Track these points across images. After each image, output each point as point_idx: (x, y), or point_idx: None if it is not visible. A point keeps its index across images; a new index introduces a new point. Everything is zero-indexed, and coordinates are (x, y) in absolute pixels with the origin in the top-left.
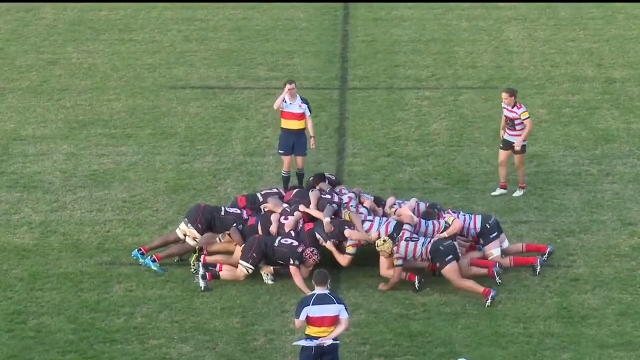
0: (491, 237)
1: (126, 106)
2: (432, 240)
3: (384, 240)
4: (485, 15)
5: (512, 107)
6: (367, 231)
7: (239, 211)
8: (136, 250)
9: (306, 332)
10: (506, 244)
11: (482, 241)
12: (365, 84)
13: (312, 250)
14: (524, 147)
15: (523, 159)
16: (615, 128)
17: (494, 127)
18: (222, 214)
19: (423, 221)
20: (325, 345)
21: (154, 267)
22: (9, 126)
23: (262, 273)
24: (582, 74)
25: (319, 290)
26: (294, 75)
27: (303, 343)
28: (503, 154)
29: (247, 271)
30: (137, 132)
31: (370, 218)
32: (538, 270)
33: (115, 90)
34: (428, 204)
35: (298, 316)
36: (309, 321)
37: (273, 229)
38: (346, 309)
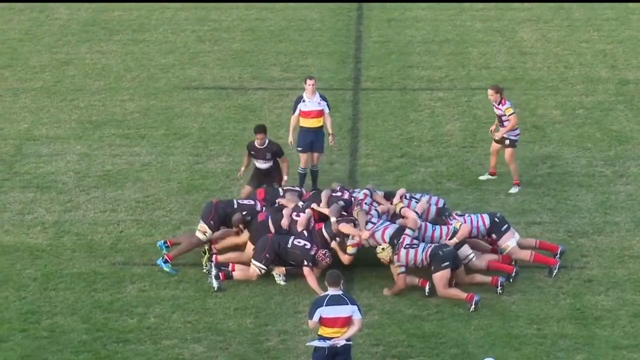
0: (502, 229)
1: (139, 106)
2: (433, 245)
3: (383, 248)
4: (498, 16)
5: (498, 104)
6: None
7: (252, 202)
8: (161, 241)
9: (319, 333)
10: (517, 236)
11: (494, 236)
12: (379, 85)
13: (324, 252)
14: (513, 141)
15: (512, 154)
16: (629, 129)
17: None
18: (235, 207)
19: (429, 225)
20: (338, 345)
21: (165, 268)
22: (22, 126)
23: (274, 274)
24: (596, 75)
25: (331, 291)
26: (307, 75)
27: (316, 343)
28: (494, 146)
29: (260, 271)
30: (150, 133)
31: (374, 221)
32: (554, 273)
33: (128, 91)
34: (438, 208)
35: (311, 317)
36: (322, 322)
37: (284, 222)
38: (359, 309)
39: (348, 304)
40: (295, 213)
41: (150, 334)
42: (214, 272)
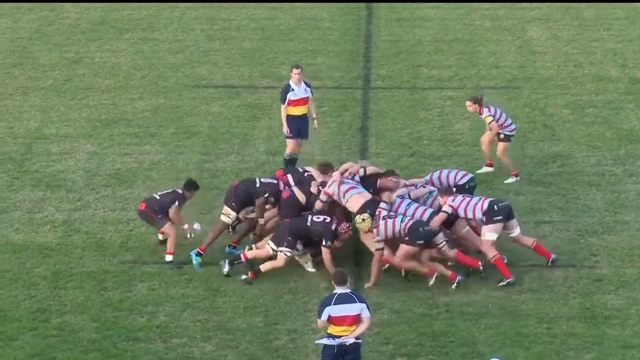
0: (494, 219)
1: (149, 105)
2: (414, 220)
3: (363, 219)
4: (508, 15)
5: (479, 114)
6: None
7: (274, 181)
8: (228, 246)
9: (328, 331)
10: (517, 232)
11: (484, 219)
12: (388, 84)
13: (347, 225)
14: (507, 136)
15: (505, 148)
16: (639, 128)
17: (517, 127)
18: (258, 186)
19: (405, 202)
20: (347, 344)
21: (194, 261)
22: (32, 125)
23: (302, 262)
24: (606, 73)
25: (339, 290)
26: (317, 74)
27: (325, 341)
28: (484, 137)
29: (285, 254)
30: (160, 131)
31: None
32: (554, 262)
33: (138, 89)
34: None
35: (320, 316)
36: (331, 320)
37: (313, 188)
38: (367, 307)
39: (356, 302)
40: (321, 187)
41: (160, 332)
42: (225, 269)
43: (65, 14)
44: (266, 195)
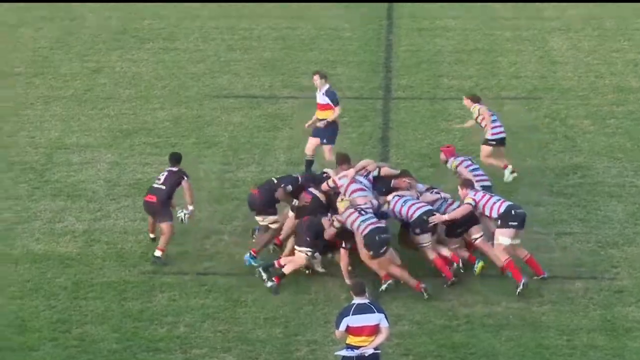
0: (509, 223)
1: (170, 115)
2: (375, 226)
3: (342, 199)
4: (529, 25)
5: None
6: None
7: (290, 174)
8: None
9: (347, 342)
10: (518, 242)
11: (499, 222)
12: (409, 94)
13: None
14: (485, 140)
15: (485, 151)
16: None
17: (538, 137)
18: (275, 182)
19: (401, 200)
20: (366, 354)
21: (253, 263)
22: (53, 134)
23: (312, 264)
24: (627, 84)
25: (357, 300)
26: (337, 85)
27: (344, 352)
28: (483, 151)
29: (306, 254)
30: (180, 141)
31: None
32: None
33: (159, 99)
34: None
35: (338, 327)
36: (349, 331)
37: (328, 183)
38: (386, 317)
39: (375, 312)
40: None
41: (180, 343)
42: (268, 284)
43: (86, 24)
44: (284, 186)
